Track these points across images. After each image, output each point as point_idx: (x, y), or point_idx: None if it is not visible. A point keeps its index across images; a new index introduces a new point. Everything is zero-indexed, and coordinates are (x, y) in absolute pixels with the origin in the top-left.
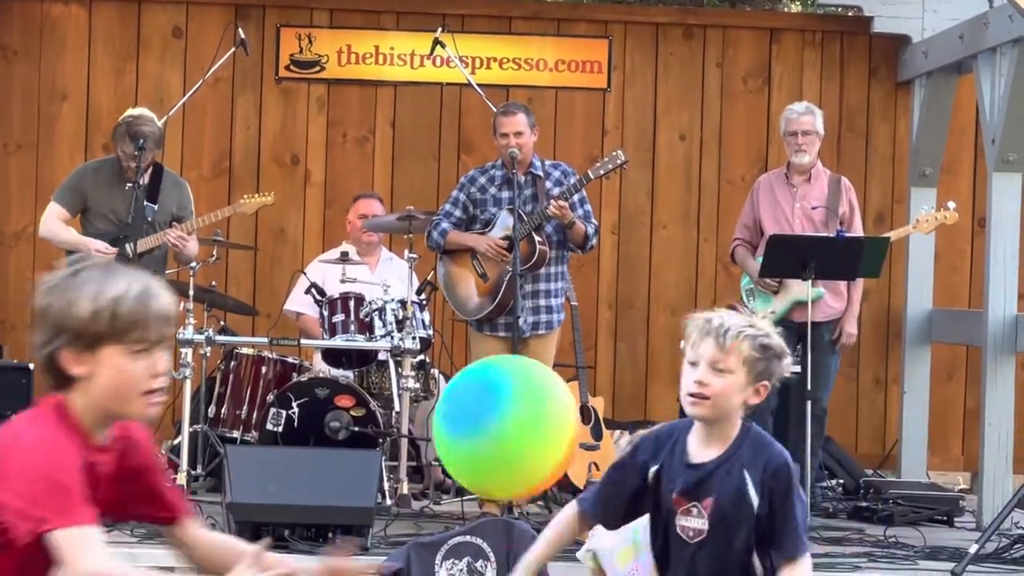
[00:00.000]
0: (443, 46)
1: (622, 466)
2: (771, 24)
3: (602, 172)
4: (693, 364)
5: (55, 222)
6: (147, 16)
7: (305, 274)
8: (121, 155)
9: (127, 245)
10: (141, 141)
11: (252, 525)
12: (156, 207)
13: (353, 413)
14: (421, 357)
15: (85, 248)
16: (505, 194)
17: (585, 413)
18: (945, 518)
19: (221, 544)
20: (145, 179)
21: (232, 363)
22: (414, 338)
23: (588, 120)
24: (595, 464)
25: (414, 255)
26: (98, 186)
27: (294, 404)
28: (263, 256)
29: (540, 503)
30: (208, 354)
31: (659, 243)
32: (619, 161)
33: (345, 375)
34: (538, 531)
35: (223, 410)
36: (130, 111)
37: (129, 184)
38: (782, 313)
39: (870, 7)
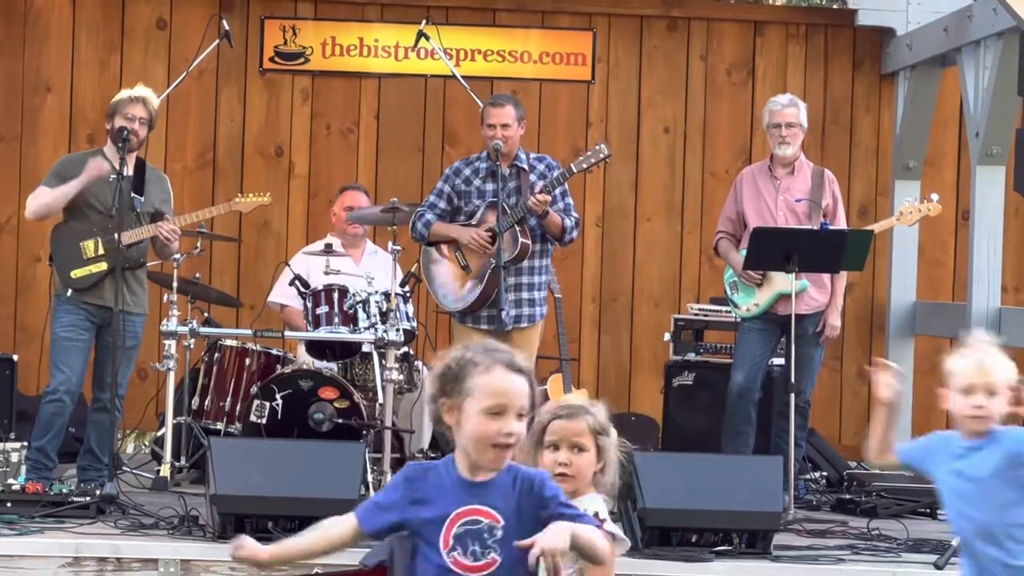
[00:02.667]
0: (427, 38)
1: None
2: (755, 17)
3: (585, 166)
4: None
5: (45, 191)
6: (131, 7)
7: (289, 266)
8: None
9: (115, 235)
10: (125, 132)
11: (236, 517)
12: (143, 199)
13: (337, 405)
14: (405, 349)
15: (87, 177)
16: (489, 186)
17: None
18: (928, 511)
19: None
20: (129, 170)
21: (216, 355)
22: (398, 330)
23: (572, 112)
24: None
25: (398, 247)
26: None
27: (278, 396)
28: (247, 248)
29: None
30: (192, 346)
31: (643, 236)
32: (602, 155)
33: (329, 367)
34: None
35: (207, 402)
36: (128, 91)
37: (113, 176)
38: (766, 306)
39: (854, 0)
